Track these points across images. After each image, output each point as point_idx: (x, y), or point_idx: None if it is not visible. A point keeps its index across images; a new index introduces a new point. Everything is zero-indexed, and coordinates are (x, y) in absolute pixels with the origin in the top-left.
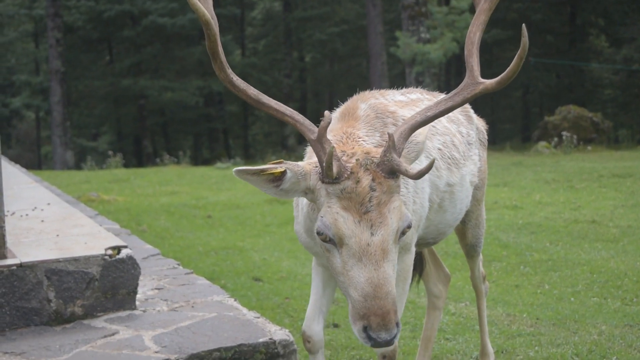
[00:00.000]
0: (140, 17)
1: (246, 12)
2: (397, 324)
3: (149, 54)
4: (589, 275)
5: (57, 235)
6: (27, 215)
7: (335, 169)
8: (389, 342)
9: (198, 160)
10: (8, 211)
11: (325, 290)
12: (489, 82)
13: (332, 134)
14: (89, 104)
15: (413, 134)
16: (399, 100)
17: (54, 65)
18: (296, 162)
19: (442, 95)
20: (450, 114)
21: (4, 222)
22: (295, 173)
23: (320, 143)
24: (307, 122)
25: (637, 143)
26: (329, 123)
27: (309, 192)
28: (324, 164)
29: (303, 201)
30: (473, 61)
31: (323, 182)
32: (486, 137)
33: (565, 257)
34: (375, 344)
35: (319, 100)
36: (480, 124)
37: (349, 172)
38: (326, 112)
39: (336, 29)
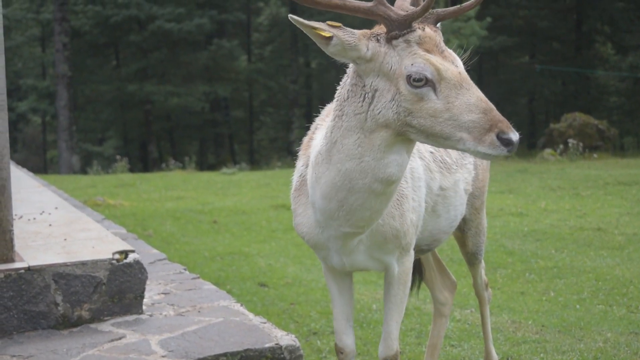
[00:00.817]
0: (147, 22)
1: (252, 17)
2: None
3: (155, 59)
4: (594, 283)
5: (65, 239)
6: (34, 219)
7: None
8: (516, 143)
9: (203, 165)
10: (16, 215)
11: (344, 296)
12: None
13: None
14: (95, 108)
15: None
16: None
17: (61, 70)
18: (352, 30)
19: None
20: None
21: (12, 226)
22: (342, 41)
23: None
24: None
25: None
26: None
27: (361, 63)
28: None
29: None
30: None
31: (396, 37)
32: None
33: (571, 265)
34: (511, 144)
35: (324, 106)
36: None
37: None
38: None
39: None
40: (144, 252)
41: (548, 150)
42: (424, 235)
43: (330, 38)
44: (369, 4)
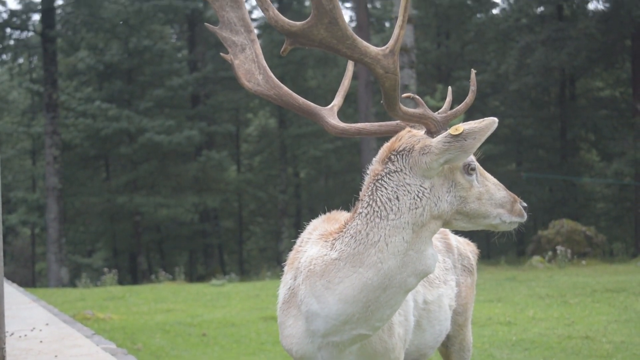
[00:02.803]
0: (137, 134)
1: (241, 129)
2: None
3: (145, 170)
4: None
5: (56, 356)
6: (25, 335)
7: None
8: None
9: (193, 276)
10: (7, 332)
11: None
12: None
13: (317, 231)
14: (85, 220)
15: None
16: None
17: (51, 183)
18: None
19: None
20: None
21: (4, 344)
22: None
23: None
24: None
25: (632, 256)
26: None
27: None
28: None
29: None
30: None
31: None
32: (472, 262)
33: None
34: (526, 209)
35: (314, 215)
36: (468, 248)
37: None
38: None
39: (330, 146)
40: None
41: (537, 258)
42: (410, 350)
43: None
44: (421, 110)
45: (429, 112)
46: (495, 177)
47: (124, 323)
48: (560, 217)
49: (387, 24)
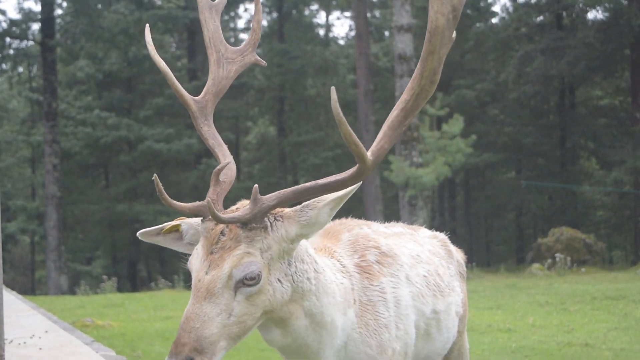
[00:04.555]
0: (136, 142)
1: (241, 137)
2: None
3: (144, 178)
4: None
5: None
6: (25, 343)
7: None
8: None
9: None
10: (7, 339)
11: None
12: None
13: (312, 246)
14: (84, 228)
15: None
16: (382, 231)
17: (50, 191)
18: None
19: (423, 230)
20: (431, 247)
21: (3, 351)
22: (190, 225)
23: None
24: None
25: (631, 264)
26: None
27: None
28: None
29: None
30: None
31: (202, 221)
32: (465, 269)
33: None
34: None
35: None
36: (459, 256)
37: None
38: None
39: (330, 154)
40: None
41: (536, 265)
42: (420, 358)
43: (181, 226)
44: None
45: None
46: (494, 185)
47: (123, 330)
48: (559, 225)
49: (386, 33)
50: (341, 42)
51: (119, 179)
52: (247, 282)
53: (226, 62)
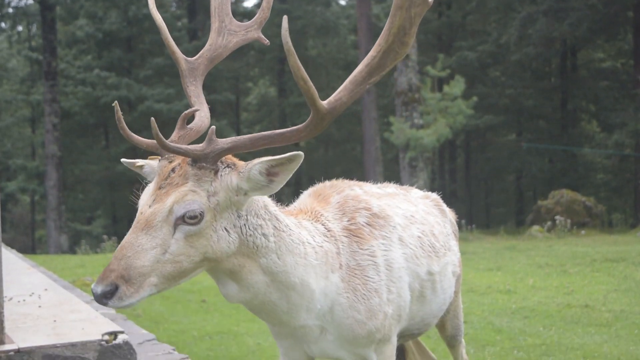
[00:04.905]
0: (136, 102)
1: (241, 97)
2: (115, 286)
3: (144, 138)
4: None
5: (54, 321)
6: (24, 300)
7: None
8: (98, 297)
9: None
10: (6, 297)
11: None
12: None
13: (299, 207)
14: (84, 188)
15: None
16: (374, 192)
17: (50, 150)
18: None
19: (415, 191)
20: (425, 207)
21: (2, 308)
22: (151, 167)
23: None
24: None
25: (631, 227)
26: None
27: None
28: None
29: None
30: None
31: (159, 160)
32: (457, 228)
33: (559, 342)
34: (93, 294)
35: (313, 184)
36: (451, 216)
37: (169, 154)
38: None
39: None
40: (133, 333)
41: (536, 227)
42: (415, 321)
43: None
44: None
45: None
46: (495, 147)
47: None
48: (560, 188)
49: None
50: (342, 2)
51: (118, 139)
52: (188, 220)
53: (228, 32)
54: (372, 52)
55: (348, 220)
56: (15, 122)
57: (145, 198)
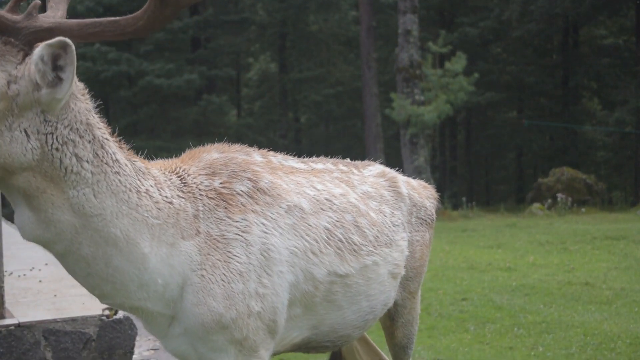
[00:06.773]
0: (137, 77)
1: (242, 73)
2: None
3: (145, 114)
4: (582, 338)
5: (55, 296)
6: (24, 275)
7: None
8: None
9: None
10: (6, 271)
11: None
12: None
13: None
14: None
15: None
16: (278, 166)
17: None
18: None
19: (373, 167)
20: (370, 189)
21: (2, 283)
22: None
23: None
24: None
25: (631, 205)
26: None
27: None
28: None
29: None
30: None
31: None
32: (430, 212)
33: (559, 319)
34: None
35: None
36: (425, 194)
37: None
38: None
39: (331, 91)
40: None
41: (536, 205)
42: (322, 330)
43: None
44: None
45: None
46: (496, 124)
47: None
48: (560, 165)
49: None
50: None
51: (119, 114)
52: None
53: None
54: None
55: (220, 182)
56: None
57: None
